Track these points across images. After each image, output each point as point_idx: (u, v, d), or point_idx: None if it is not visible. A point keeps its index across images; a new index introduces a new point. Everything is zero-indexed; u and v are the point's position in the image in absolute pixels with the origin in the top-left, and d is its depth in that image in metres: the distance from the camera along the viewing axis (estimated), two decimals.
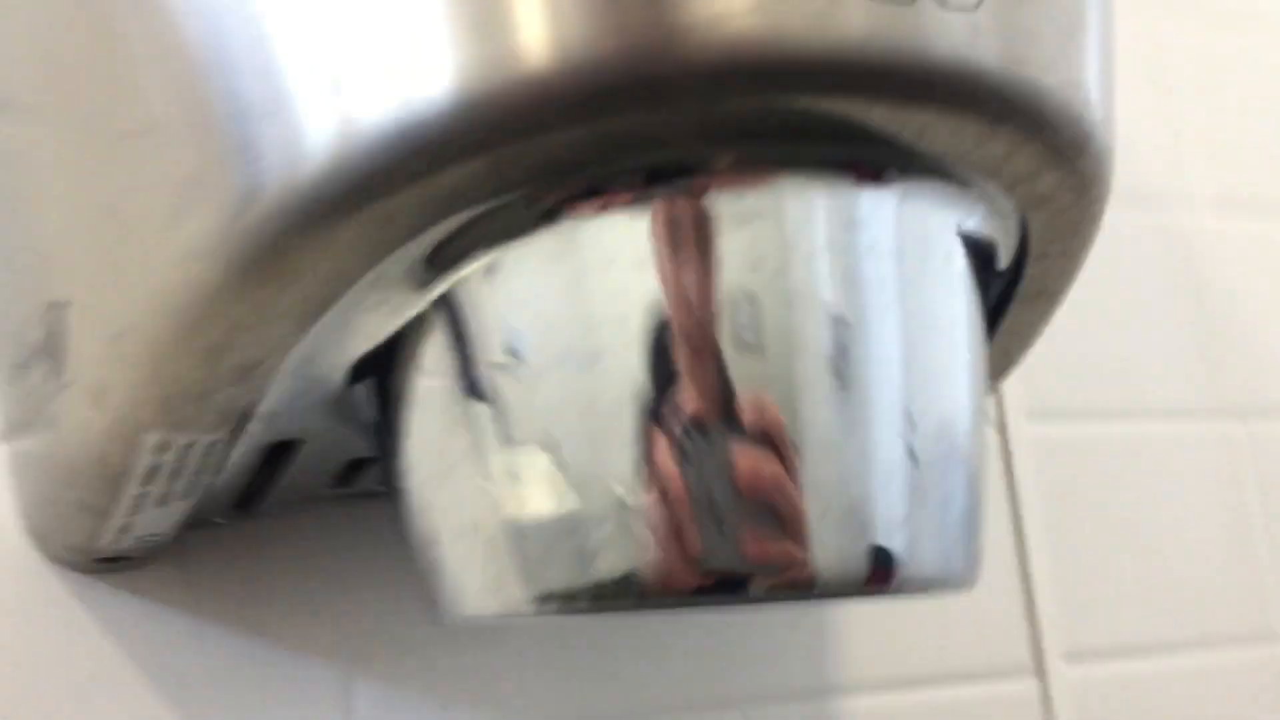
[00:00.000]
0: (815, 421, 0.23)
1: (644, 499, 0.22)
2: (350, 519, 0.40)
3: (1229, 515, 0.53)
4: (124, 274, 0.26)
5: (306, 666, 0.38)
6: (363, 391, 0.27)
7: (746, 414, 0.22)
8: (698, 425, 0.22)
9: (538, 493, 0.23)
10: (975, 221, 0.26)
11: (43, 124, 0.27)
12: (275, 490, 0.34)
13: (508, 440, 0.23)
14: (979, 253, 0.26)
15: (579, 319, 0.23)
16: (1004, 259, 0.28)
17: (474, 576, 0.24)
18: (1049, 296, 0.31)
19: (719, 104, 0.21)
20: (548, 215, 0.22)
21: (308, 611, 0.38)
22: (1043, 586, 0.49)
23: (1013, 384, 0.51)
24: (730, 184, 0.22)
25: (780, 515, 0.22)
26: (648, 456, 0.22)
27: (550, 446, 0.23)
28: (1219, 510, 0.53)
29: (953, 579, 0.24)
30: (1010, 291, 0.31)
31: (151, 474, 0.28)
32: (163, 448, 0.27)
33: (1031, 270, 0.30)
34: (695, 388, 0.22)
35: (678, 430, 0.22)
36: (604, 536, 0.22)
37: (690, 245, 0.23)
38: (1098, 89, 0.26)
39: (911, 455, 0.24)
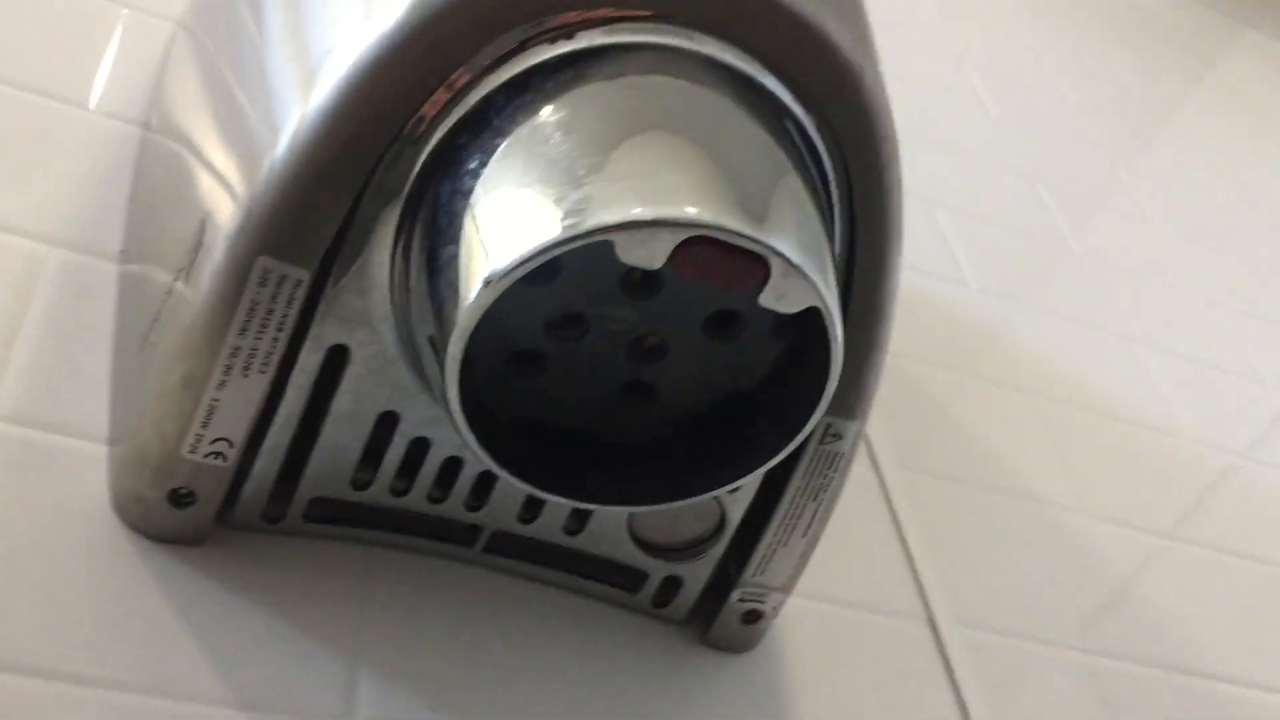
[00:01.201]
0: None
1: None
2: (361, 544, 0.48)
3: None
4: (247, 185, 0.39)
5: (319, 650, 0.44)
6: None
7: None
8: None
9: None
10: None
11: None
12: (316, 457, 0.44)
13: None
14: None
15: None
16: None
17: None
18: (880, 254, 0.44)
19: None
20: None
21: (326, 606, 0.45)
22: None
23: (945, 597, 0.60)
24: None
25: None
26: None
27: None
28: None
29: (800, 264, 0.36)
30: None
31: (249, 316, 0.39)
32: (264, 279, 0.39)
33: (859, 219, 0.43)
34: None
35: None
36: None
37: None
38: (870, 65, 0.42)
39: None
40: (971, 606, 0.61)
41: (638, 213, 0.34)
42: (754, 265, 0.36)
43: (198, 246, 0.42)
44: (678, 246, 0.35)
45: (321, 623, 0.45)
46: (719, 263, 0.35)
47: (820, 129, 0.42)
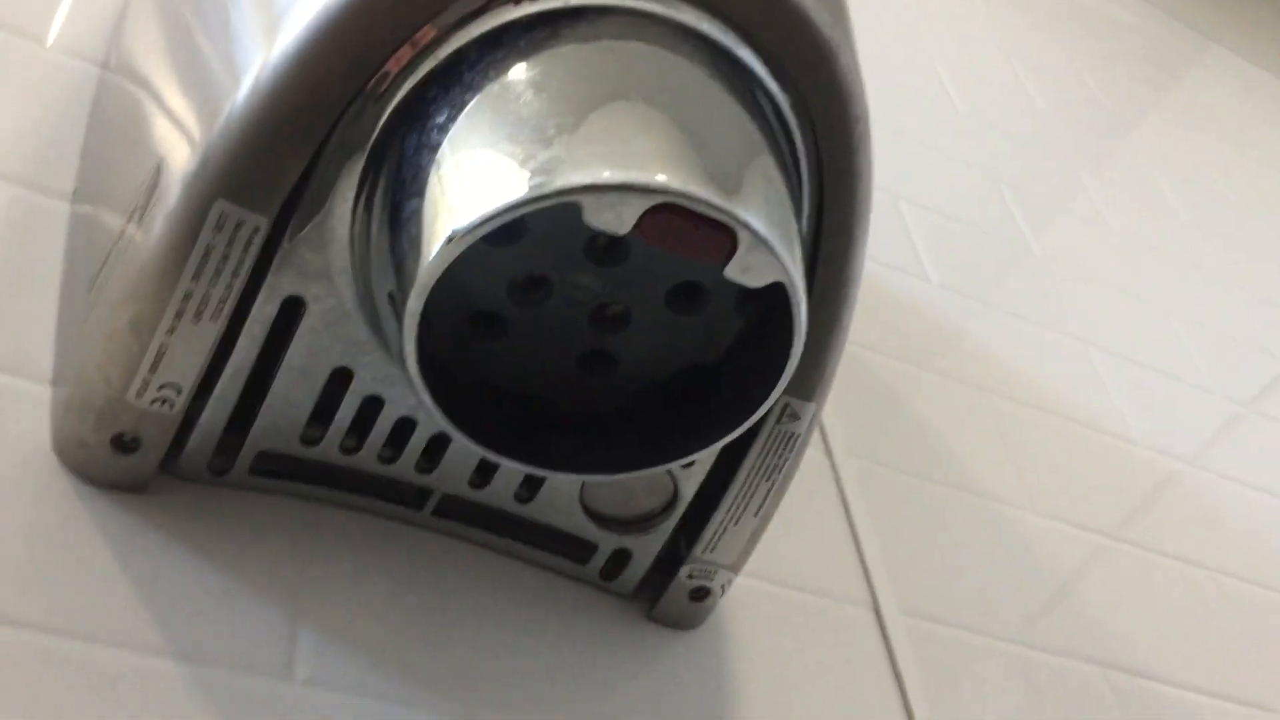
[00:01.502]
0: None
1: None
2: (307, 502, 0.47)
3: None
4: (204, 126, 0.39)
5: (260, 605, 0.43)
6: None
7: None
8: None
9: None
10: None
11: None
12: (265, 410, 0.43)
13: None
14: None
15: None
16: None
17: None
18: (847, 237, 0.44)
19: None
20: None
21: (268, 560, 0.45)
22: None
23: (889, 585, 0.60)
24: None
25: None
26: None
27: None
28: None
29: (767, 238, 0.36)
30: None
31: (203, 260, 0.38)
32: (220, 223, 0.38)
33: (828, 200, 0.43)
34: None
35: None
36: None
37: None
38: (846, 44, 0.42)
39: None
40: (916, 596, 0.61)
41: (606, 176, 0.34)
42: (721, 236, 0.35)
43: (152, 189, 0.41)
44: (645, 213, 0.35)
45: (263, 577, 0.44)
46: (686, 232, 0.35)
47: (794, 106, 0.41)
